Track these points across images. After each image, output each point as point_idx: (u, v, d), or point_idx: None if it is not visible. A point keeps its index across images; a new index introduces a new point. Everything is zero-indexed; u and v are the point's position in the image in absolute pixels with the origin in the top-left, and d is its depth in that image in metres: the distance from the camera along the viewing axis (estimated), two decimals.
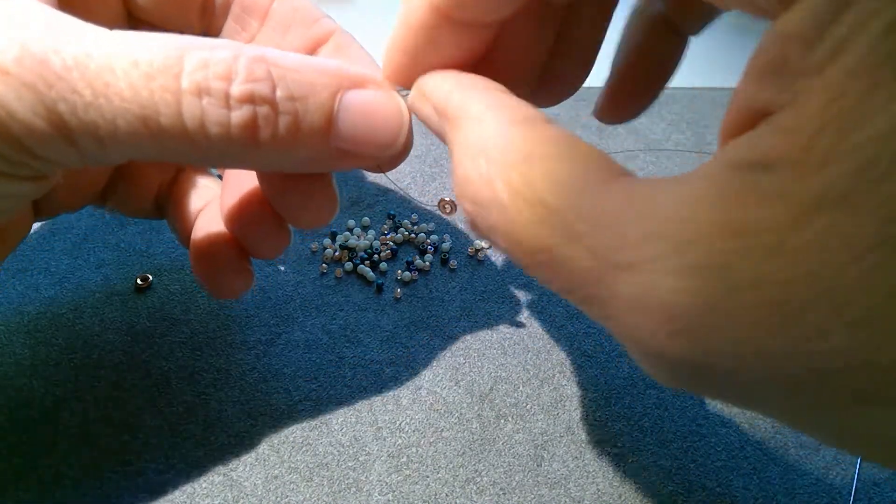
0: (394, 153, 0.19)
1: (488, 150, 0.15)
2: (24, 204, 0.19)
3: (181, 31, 0.18)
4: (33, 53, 0.15)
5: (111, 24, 0.17)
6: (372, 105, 0.18)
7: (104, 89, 0.16)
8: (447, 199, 0.29)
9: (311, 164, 0.19)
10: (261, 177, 0.23)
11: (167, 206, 0.27)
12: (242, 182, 0.24)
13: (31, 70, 0.15)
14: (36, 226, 0.33)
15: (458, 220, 0.36)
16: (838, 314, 0.10)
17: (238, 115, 0.16)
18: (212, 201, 0.26)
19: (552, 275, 0.14)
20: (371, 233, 0.35)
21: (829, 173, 0.10)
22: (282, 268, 0.33)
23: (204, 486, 0.24)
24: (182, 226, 0.26)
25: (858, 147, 0.10)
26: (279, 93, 0.17)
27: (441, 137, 0.18)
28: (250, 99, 0.16)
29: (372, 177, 0.38)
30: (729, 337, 0.11)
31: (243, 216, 0.24)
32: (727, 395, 0.13)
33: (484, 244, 0.34)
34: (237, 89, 0.16)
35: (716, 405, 0.28)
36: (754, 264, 0.10)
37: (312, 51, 0.23)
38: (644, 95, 0.23)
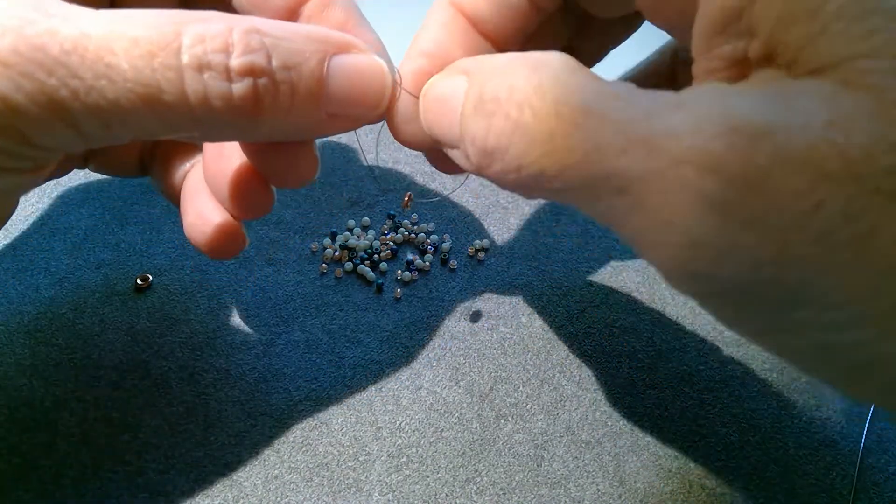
0: (379, 112, 0.20)
1: (512, 84, 0.16)
2: (20, 196, 0.19)
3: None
4: (29, 40, 0.15)
5: (96, 6, 0.17)
6: (357, 68, 0.19)
7: (106, 71, 0.15)
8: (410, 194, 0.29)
9: (306, 130, 0.20)
10: (244, 144, 0.23)
11: (152, 164, 0.27)
12: (223, 146, 0.24)
13: (28, 59, 0.15)
14: (36, 226, 0.33)
15: (458, 219, 0.36)
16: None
17: (240, 88, 0.17)
18: (197, 162, 0.26)
19: (574, 180, 0.15)
20: (371, 233, 0.35)
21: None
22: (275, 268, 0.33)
23: (204, 485, 0.24)
24: (169, 184, 0.26)
25: None
26: (275, 62, 0.17)
27: (440, 133, 0.19)
28: (250, 71, 0.17)
29: (373, 177, 0.38)
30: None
31: (228, 181, 0.24)
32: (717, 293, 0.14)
33: (484, 244, 0.34)
34: (236, 62, 0.16)
35: (715, 405, 0.28)
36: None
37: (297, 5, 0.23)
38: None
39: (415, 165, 0.39)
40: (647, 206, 0.14)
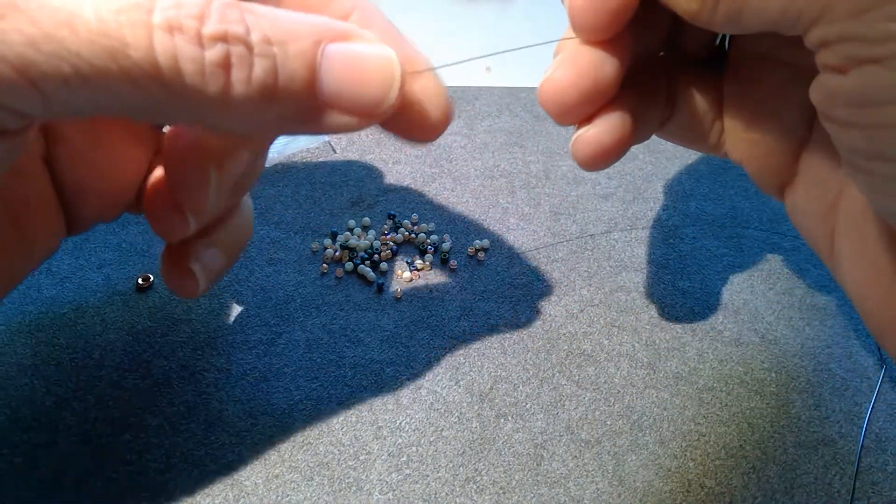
0: (386, 108, 0.18)
1: None
2: None
3: None
4: None
5: None
6: (358, 56, 0.17)
7: (68, 19, 0.14)
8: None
9: (299, 120, 0.18)
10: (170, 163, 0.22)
11: None
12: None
13: None
14: None
15: (458, 219, 0.36)
16: None
17: (211, 53, 0.15)
18: None
19: None
20: (371, 233, 0.35)
21: None
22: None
23: (205, 485, 0.25)
24: None
25: None
26: (255, 35, 0.16)
27: None
28: (223, 37, 0.15)
29: (372, 177, 0.38)
30: None
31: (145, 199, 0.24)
32: None
33: (484, 244, 0.34)
34: (210, 28, 0.15)
35: (715, 404, 0.28)
36: None
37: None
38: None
39: (415, 165, 0.39)
40: None
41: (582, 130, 0.22)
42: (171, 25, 0.15)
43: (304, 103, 0.17)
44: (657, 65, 0.23)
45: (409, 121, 0.20)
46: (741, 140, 0.23)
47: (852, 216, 0.20)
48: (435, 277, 0.33)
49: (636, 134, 0.22)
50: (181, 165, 0.22)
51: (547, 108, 0.21)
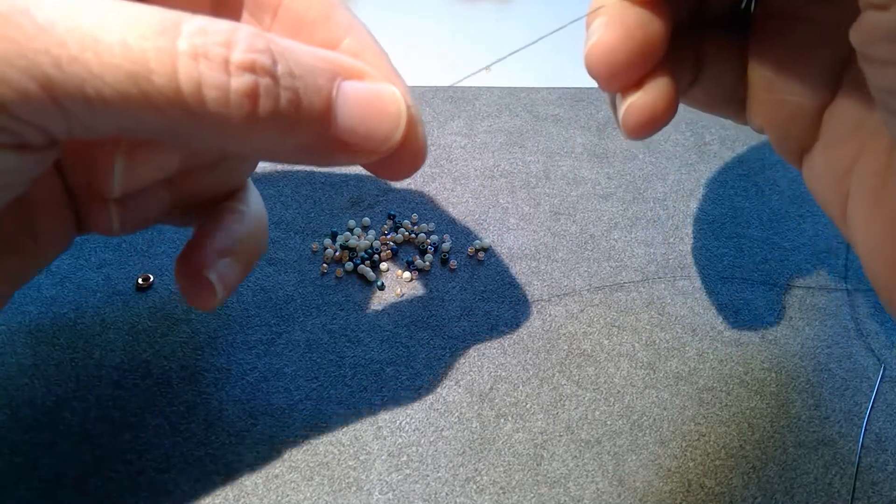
0: (391, 146, 0.19)
1: None
2: (12, 180, 0.18)
3: None
4: (11, 3, 0.14)
5: None
6: (370, 95, 0.18)
7: (92, 44, 0.14)
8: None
9: (310, 152, 0.19)
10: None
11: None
12: None
13: (9, 20, 0.14)
14: None
15: (458, 219, 0.36)
16: None
17: (238, 82, 0.16)
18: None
19: None
20: (371, 233, 0.35)
21: None
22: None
23: (205, 485, 0.25)
24: None
25: None
26: (280, 67, 0.16)
27: None
28: (251, 68, 0.16)
29: (372, 178, 0.38)
30: None
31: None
32: None
33: (484, 244, 0.34)
34: (238, 57, 0.16)
35: (715, 404, 0.28)
36: None
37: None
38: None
39: None
40: None
41: (632, 98, 0.21)
42: (196, 52, 0.15)
43: (319, 137, 0.18)
44: (683, 29, 0.23)
45: (398, 157, 0.20)
46: (764, 103, 0.23)
47: (868, 177, 0.20)
48: (435, 277, 0.33)
49: None
50: (88, 146, 0.22)
51: (595, 71, 0.21)
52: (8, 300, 0.23)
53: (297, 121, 0.17)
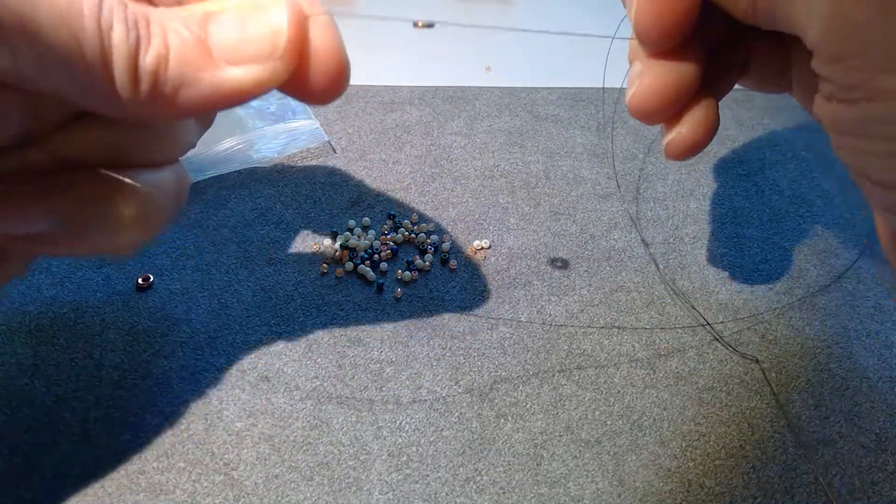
0: (282, 54, 0.18)
1: None
2: None
3: None
4: None
5: None
6: (245, 7, 0.18)
7: None
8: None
9: (201, 85, 0.18)
10: None
11: None
12: None
13: None
14: None
15: (458, 219, 0.36)
16: None
17: (132, 35, 0.16)
18: None
19: None
20: (371, 233, 0.35)
21: None
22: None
23: (205, 485, 0.25)
24: None
25: None
26: (152, 19, 0.17)
27: None
28: (134, 24, 0.17)
29: (372, 177, 0.38)
30: None
31: None
32: None
33: (484, 244, 0.34)
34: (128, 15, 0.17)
35: (715, 404, 0.28)
36: None
37: None
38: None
39: (415, 165, 0.39)
40: None
41: (673, 133, 0.23)
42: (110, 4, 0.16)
43: (200, 64, 0.17)
44: (730, 35, 0.24)
45: (302, 73, 0.19)
46: (809, 86, 0.23)
47: None
48: (435, 277, 0.33)
49: (718, 98, 0.24)
50: None
51: (638, 118, 0.23)
52: None
53: (169, 56, 0.17)
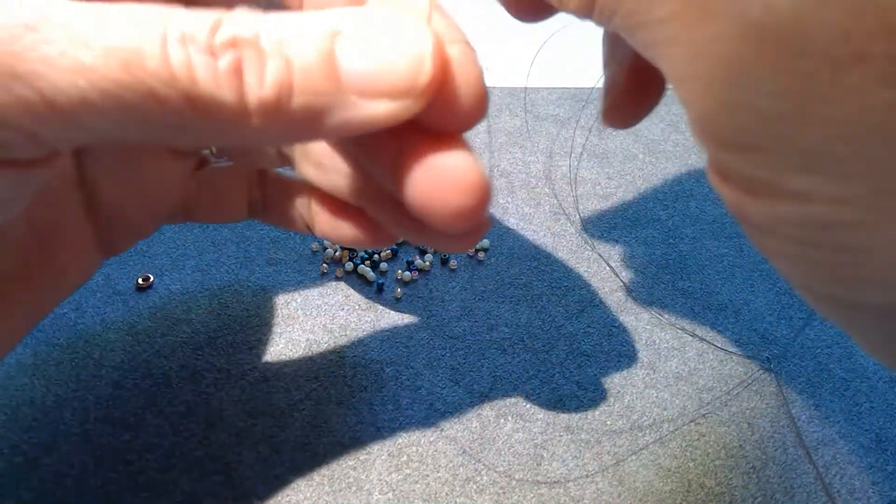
0: (421, 85, 0.16)
1: None
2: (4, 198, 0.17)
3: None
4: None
5: None
6: (378, 29, 0.16)
7: (83, 37, 0.14)
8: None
9: (334, 121, 0.16)
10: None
11: (265, 210, 0.26)
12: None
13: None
14: None
15: None
16: None
17: (224, 60, 0.15)
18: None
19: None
20: None
21: None
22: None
23: (205, 485, 0.25)
24: (289, 221, 0.26)
25: None
26: (263, 37, 0.15)
27: None
28: (233, 44, 0.15)
29: None
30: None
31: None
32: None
33: (484, 244, 0.34)
34: (220, 37, 0.15)
35: (714, 404, 0.28)
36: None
37: None
38: (644, 102, 0.23)
39: None
40: (688, 35, 0.13)
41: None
42: (184, 37, 0.15)
43: (327, 94, 0.16)
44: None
45: (443, 103, 0.17)
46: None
47: None
48: (435, 277, 0.33)
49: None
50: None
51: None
52: (21, 337, 0.21)
53: (293, 84, 0.15)
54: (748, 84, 0.13)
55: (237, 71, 0.15)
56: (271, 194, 0.26)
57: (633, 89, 0.22)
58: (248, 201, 0.26)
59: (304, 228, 0.25)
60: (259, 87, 0.15)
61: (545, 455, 0.26)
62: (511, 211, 0.37)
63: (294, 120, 0.16)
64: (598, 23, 0.16)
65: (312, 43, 0.15)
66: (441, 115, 0.17)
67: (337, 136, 0.17)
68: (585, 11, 0.16)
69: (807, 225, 0.13)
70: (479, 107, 0.17)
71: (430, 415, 0.27)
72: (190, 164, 0.24)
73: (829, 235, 0.13)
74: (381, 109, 0.16)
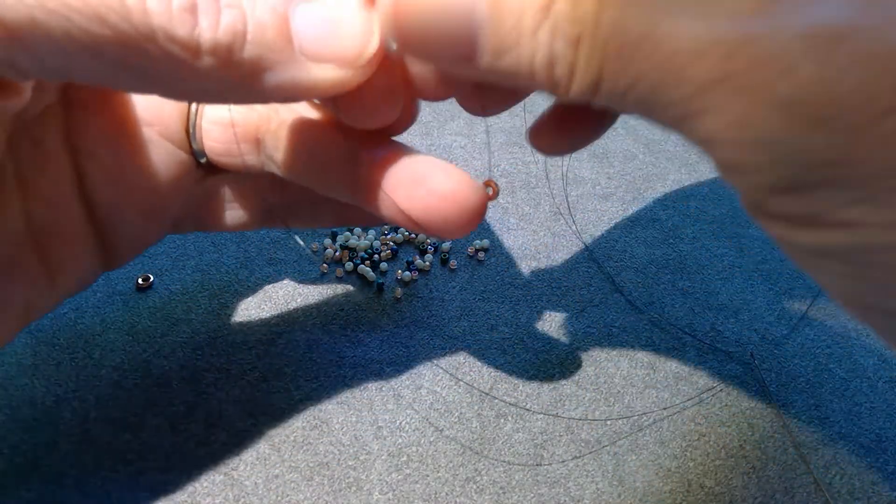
0: (364, 61, 0.17)
1: None
2: None
3: None
4: None
5: None
6: (334, 6, 0.16)
7: None
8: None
9: (276, 75, 0.16)
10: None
11: (293, 213, 0.27)
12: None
13: None
14: None
15: None
16: None
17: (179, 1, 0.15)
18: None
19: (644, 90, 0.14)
20: (371, 233, 0.35)
21: None
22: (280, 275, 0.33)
23: (205, 485, 0.25)
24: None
25: None
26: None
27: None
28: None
29: None
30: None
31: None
32: None
33: (484, 244, 0.34)
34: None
35: (715, 404, 0.28)
36: None
37: None
38: (574, 136, 0.22)
39: None
40: (720, 108, 0.13)
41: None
42: None
43: (278, 51, 0.16)
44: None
45: (369, 90, 0.18)
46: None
47: None
48: (435, 277, 0.33)
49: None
50: None
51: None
52: (14, 334, 0.21)
53: (245, 35, 0.16)
54: (790, 141, 0.13)
55: (192, 10, 0.15)
56: (294, 197, 0.26)
57: (558, 120, 0.21)
58: (263, 208, 0.26)
59: (336, 221, 0.26)
60: (212, 30, 0.15)
61: (545, 455, 0.26)
62: (511, 211, 0.37)
63: (243, 71, 0.16)
64: (602, 106, 0.15)
65: (269, 4, 0.16)
66: (362, 101, 0.18)
67: (282, 97, 0.17)
68: (589, 97, 0.15)
69: (858, 249, 0.14)
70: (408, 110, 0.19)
71: (430, 414, 0.27)
72: (197, 171, 0.24)
73: (880, 257, 0.14)
74: (327, 75, 0.17)
